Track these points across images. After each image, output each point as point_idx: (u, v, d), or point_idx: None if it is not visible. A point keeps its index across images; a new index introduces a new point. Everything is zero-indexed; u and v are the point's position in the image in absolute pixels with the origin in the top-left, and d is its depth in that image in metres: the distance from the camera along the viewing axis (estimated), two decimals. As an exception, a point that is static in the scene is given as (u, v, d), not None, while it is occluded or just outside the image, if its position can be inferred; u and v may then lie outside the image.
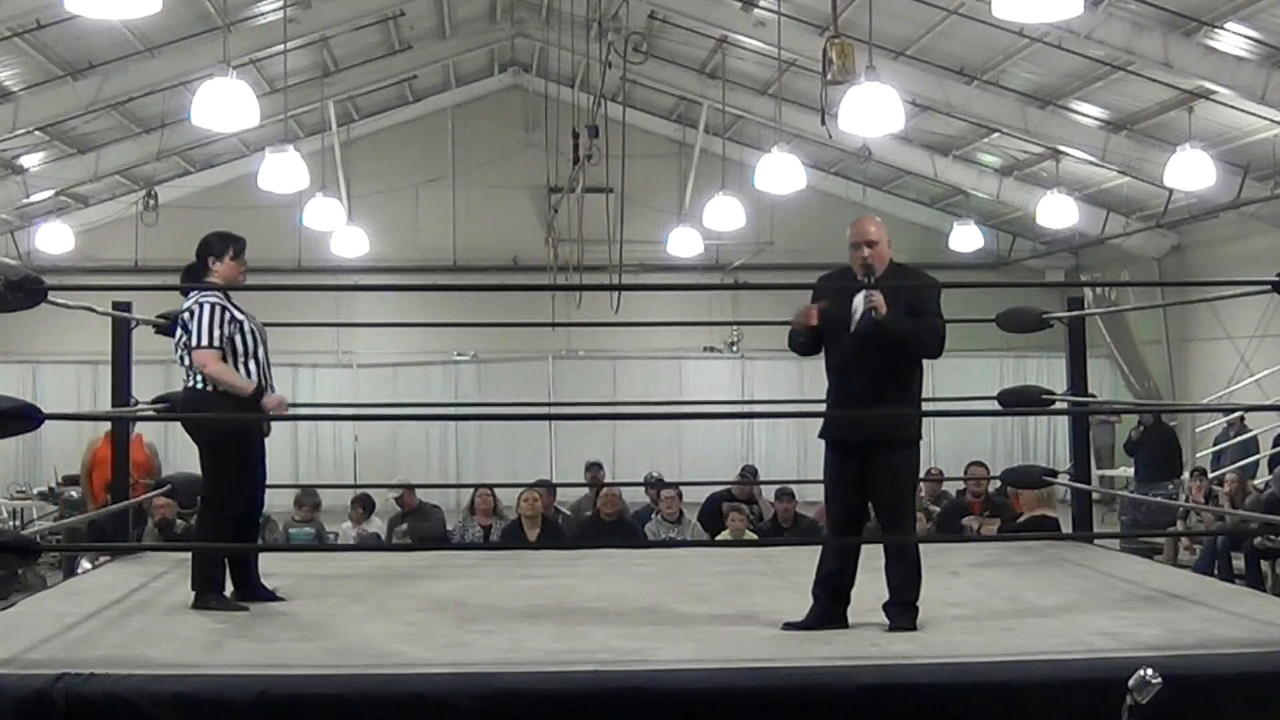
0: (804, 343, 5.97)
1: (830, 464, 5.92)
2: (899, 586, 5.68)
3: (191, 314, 6.22)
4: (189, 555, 6.58)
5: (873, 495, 5.82)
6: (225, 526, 6.35)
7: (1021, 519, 10.22)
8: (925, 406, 6.87)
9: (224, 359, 6.19)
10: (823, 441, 5.98)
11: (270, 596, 6.36)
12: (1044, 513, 9.70)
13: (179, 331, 6.29)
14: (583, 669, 4.88)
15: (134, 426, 8.46)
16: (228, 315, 6.22)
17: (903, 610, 5.63)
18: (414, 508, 12.91)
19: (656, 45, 17.84)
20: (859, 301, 5.76)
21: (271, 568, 7.36)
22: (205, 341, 6.17)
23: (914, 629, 5.57)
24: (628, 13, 12.79)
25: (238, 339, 6.23)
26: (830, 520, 6.20)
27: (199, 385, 6.26)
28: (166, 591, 6.52)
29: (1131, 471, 16.82)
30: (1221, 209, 17.52)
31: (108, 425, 12.57)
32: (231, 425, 6.26)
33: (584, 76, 16.76)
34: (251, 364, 6.26)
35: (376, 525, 13.13)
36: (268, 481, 6.69)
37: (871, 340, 5.70)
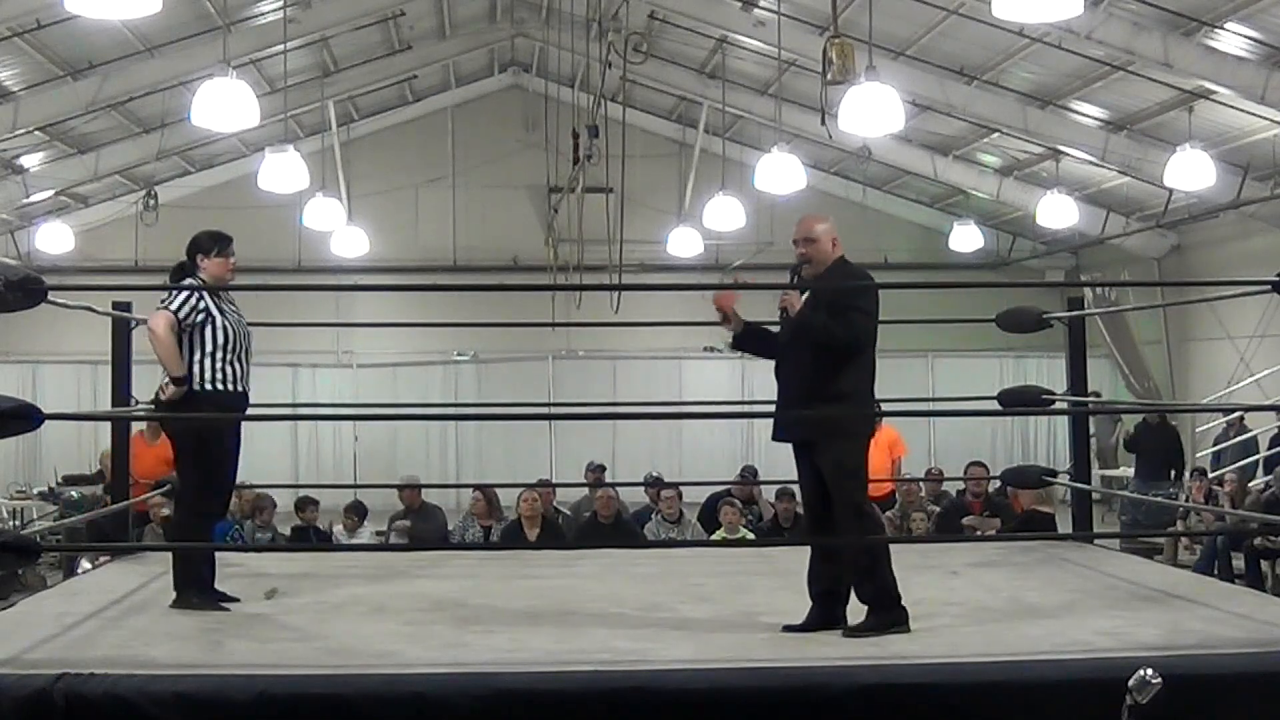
0: (742, 341, 6.09)
1: (796, 465, 5.99)
2: (859, 587, 5.64)
3: (168, 293, 6.30)
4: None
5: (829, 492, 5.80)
6: (199, 524, 6.36)
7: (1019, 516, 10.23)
8: (924, 407, 6.85)
9: (178, 340, 6.21)
10: None
11: (224, 598, 6.34)
12: (1037, 509, 9.70)
13: None
14: (583, 669, 4.88)
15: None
16: (201, 304, 6.25)
17: (869, 612, 5.58)
18: (417, 506, 12.92)
19: (656, 45, 17.83)
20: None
21: (271, 568, 7.39)
22: (165, 304, 6.23)
23: (875, 629, 5.47)
24: (628, 13, 12.78)
25: (206, 329, 6.24)
26: (806, 521, 6.22)
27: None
28: (166, 591, 6.50)
29: (1131, 471, 16.84)
30: (1221, 209, 17.52)
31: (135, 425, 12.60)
32: (198, 425, 6.27)
33: (584, 76, 16.75)
34: (220, 355, 6.26)
35: (368, 533, 13.09)
36: (267, 481, 6.71)
37: (797, 338, 5.78)
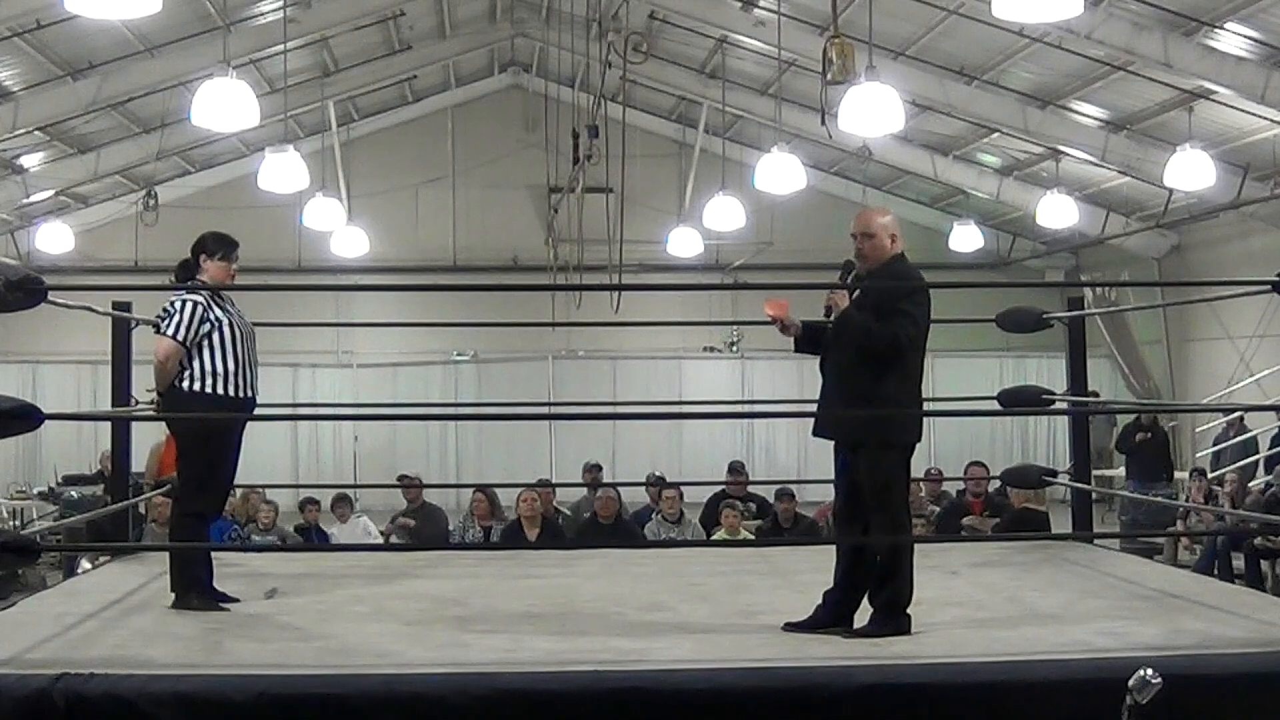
0: (802, 344, 5.93)
1: (834, 464, 5.93)
2: (873, 592, 5.61)
3: (171, 305, 6.26)
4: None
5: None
6: (195, 525, 6.35)
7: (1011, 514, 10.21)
8: (924, 406, 6.79)
9: (188, 359, 6.20)
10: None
11: (223, 598, 6.33)
12: (1030, 506, 9.68)
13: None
14: (583, 669, 4.87)
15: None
16: (208, 315, 6.23)
17: (872, 616, 5.55)
18: (419, 505, 12.95)
19: (656, 45, 17.83)
20: None
21: (270, 568, 7.39)
22: (171, 332, 6.20)
23: (876, 635, 5.43)
24: (628, 13, 12.78)
25: (215, 336, 6.23)
26: (834, 520, 6.16)
27: (175, 384, 6.27)
28: (166, 592, 6.49)
29: (1123, 472, 16.83)
30: (1221, 209, 17.53)
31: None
32: (200, 425, 6.26)
33: (584, 76, 16.77)
34: (230, 360, 6.24)
35: (363, 520, 13.16)
36: (270, 482, 6.71)
37: (839, 336, 5.68)
